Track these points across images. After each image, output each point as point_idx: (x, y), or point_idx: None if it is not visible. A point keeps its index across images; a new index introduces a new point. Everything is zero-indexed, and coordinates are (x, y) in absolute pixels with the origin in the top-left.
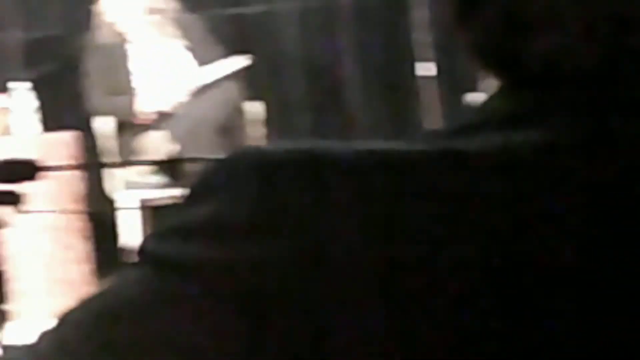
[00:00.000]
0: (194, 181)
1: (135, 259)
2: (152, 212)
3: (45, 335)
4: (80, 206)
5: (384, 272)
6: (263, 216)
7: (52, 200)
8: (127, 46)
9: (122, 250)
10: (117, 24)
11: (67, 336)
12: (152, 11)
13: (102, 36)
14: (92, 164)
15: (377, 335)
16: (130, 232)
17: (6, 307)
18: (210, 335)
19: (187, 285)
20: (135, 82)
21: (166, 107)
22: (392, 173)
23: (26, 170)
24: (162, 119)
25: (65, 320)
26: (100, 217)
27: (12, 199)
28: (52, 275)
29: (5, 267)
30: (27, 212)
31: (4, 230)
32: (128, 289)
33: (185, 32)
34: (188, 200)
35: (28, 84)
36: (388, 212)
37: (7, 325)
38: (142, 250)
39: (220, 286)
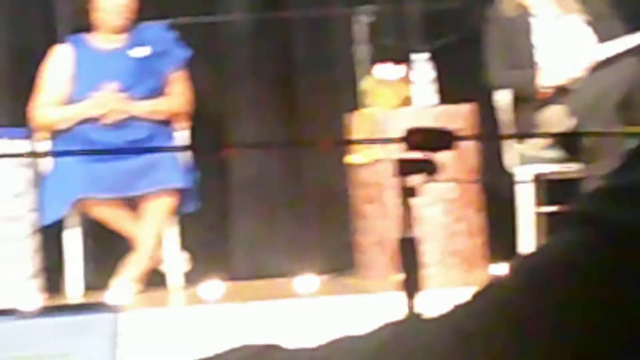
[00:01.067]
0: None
1: (567, 221)
2: (547, 186)
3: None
4: (476, 178)
5: None
6: None
7: (449, 171)
8: (530, 19)
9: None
10: None
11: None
12: None
13: (505, 9)
14: (492, 136)
15: None
16: (525, 206)
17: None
18: None
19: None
20: (537, 55)
21: (565, 82)
22: None
23: (444, 139)
24: (561, 94)
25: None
26: (495, 189)
27: (428, 168)
28: (444, 247)
29: (417, 235)
30: (437, 181)
31: (415, 199)
32: (567, 251)
33: (586, 7)
34: (631, 161)
35: (427, 55)
36: None
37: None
38: (578, 212)
39: None
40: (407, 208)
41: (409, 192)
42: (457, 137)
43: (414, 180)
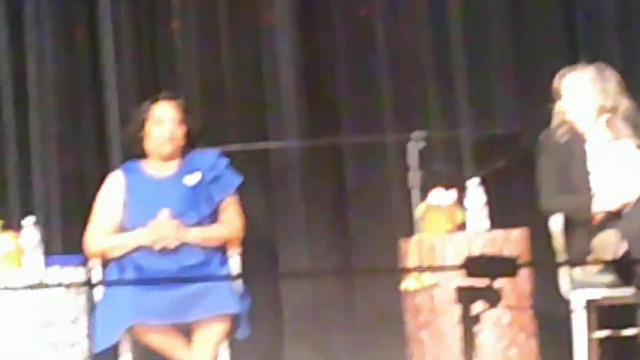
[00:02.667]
0: None
1: None
2: (599, 312)
3: None
4: (528, 303)
5: None
6: None
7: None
8: (583, 144)
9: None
10: (574, 122)
11: None
12: (607, 110)
13: (558, 134)
14: (549, 262)
15: None
16: (578, 331)
17: None
18: None
19: None
20: (590, 181)
21: (618, 207)
22: None
23: (508, 266)
24: (612, 218)
25: None
26: (549, 315)
27: (492, 296)
28: None
29: None
30: (496, 308)
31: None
32: None
33: (637, 130)
34: None
35: (479, 180)
36: None
37: None
38: None
39: None
40: (470, 336)
41: (472, 321)
42: (519, 265)
43: (476, 308)
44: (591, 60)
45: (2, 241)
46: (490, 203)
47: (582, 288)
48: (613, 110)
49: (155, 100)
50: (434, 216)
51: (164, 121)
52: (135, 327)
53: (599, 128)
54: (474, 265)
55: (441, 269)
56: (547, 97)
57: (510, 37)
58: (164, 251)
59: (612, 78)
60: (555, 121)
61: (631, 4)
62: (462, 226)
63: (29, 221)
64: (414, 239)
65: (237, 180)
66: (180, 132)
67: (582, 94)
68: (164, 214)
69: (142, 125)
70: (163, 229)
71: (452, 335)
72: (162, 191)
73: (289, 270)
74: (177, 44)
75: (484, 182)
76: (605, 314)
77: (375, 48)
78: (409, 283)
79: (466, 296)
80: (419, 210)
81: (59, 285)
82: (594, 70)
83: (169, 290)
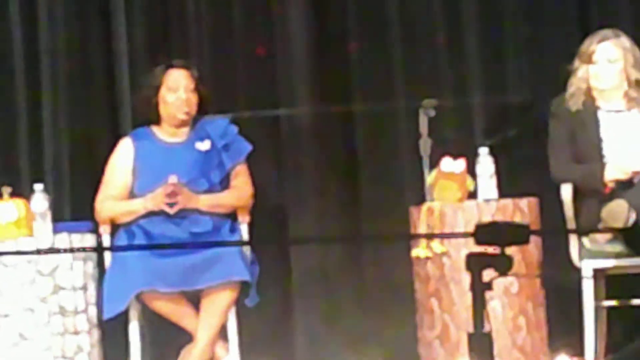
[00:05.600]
0: None
1: None
2: (608, 281)
3: None
4: (537, 272)
5: None
6: None
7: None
8: (596, 112)
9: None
10: (593, 90)
11: None
12: (632, 82)
13: (573, 102)
14: (559, 230)
15: None
16: (587, 300)
17: None
18: None
19: None
20: (602, 150)
21: (629, 176)
22: None
23: (520, 233)
24: (623, 188)
25: None
26: (559, 284)
27: (503, 263)
28: (506, 341)
29: (491, 327)
30: (505, 276)
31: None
32: None
33: None
34: None
35: (486, 149)
36: None
37: None
38: None
39: None
40: (481, 303)
41: (482, 288)
42: (531, 232)
43: (487, 275)
44: (603, 26)
45: (11, 207)
46: (500, 171)
47: (592, 258)
48: (637, 82)
49: (169, 66)
50: (445, 184)
51: (178, 88)
52: (144, 294)
53: (613, 97)
54: (485, 233)
55: (452, 236)
56: (559, 64)
57: (522, 5)
58: (173, 217)
59: (635, 48)
60: (572, 87)
61: None
62: (472, 194)
63: (38, 187)
64: (425, 206)
65: (247, 147)
66: (193, 100)
67: (618, 62)
68: (172, 178)
69: (156, 91)
70: (171, 189)
71: (461, 303)
72: (173, 157)
73: (298, 238)
74: (189, 10)
75: (494, 151)
76: (614, 284)
77: (387, 15)
78: (419, 250)
79: (476, 263)
80: (429, 178)
81: (68, 250)
82: (628, 39)
83: (179, 257)
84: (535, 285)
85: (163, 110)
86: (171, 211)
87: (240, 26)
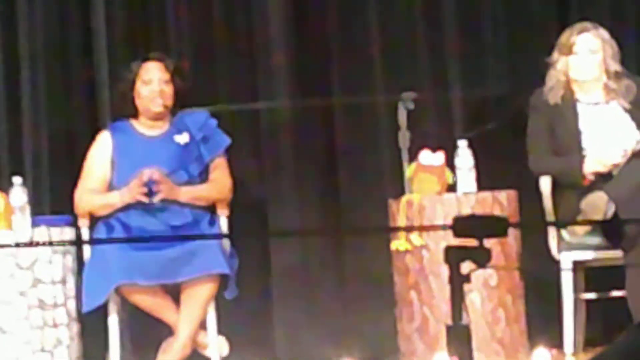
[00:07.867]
0: None
1: None
2: (587, 274)
3: None
4: (516, 265)
5: None
6: None
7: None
8: (575, 105)
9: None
10: (572, 82)
11: None
12: (611, 73)
13: (552, 95)
14: (538, 223)
15: None
16: (566, 293)
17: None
18: None
19: None
20: (581, 142)
21: (607, 168)
22: None
23: (498, 226)
24: (602, 180)
25: None
26: (537, 276)
27: (481, 255)
28: (485, 334)
29: (470, 320)
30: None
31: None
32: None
33: (625, 93)
34: None
35: (465, 142)
36: None
37: None
38: None
39: None
40: (459, 295)
41: (461, 280)
42: (509, 224)
43: (465, 267)
44: (581, 19)
45: None
46: (479, 165)
47: (571, 250)
48: (616, 74)
49: (144, 59)
50: (424, 177)
51: (152, 81)
52: (123, 288)
53: (592, 89)
54: (464, 225)
55: (431, 228)
56: (537, 58)
57: None
58: (152, 209)
59: (613, 40)
60: (552, 79)
61: None
62: (452, 187)
63: (17, 181)
64: (404, 199)
65: (226, 140)
66: (168, 91)
67: (598, 53)
68: (148, 172)
69: (132, 84)
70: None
71: (441, 296)
72: (152, 149)
73: (278, 230)
74: (168, 3)
75: (473, 144)
76: (593, 276)
77: (366, 8)
78: (398, 243)
79: (455, 256)
80: (408, 171)
81: (47, 244)
82: (606, 31)
83: (158, 251)
84: (514, 277)
85: (139, 103)
86: (151, 200)
87: (220, 19)
